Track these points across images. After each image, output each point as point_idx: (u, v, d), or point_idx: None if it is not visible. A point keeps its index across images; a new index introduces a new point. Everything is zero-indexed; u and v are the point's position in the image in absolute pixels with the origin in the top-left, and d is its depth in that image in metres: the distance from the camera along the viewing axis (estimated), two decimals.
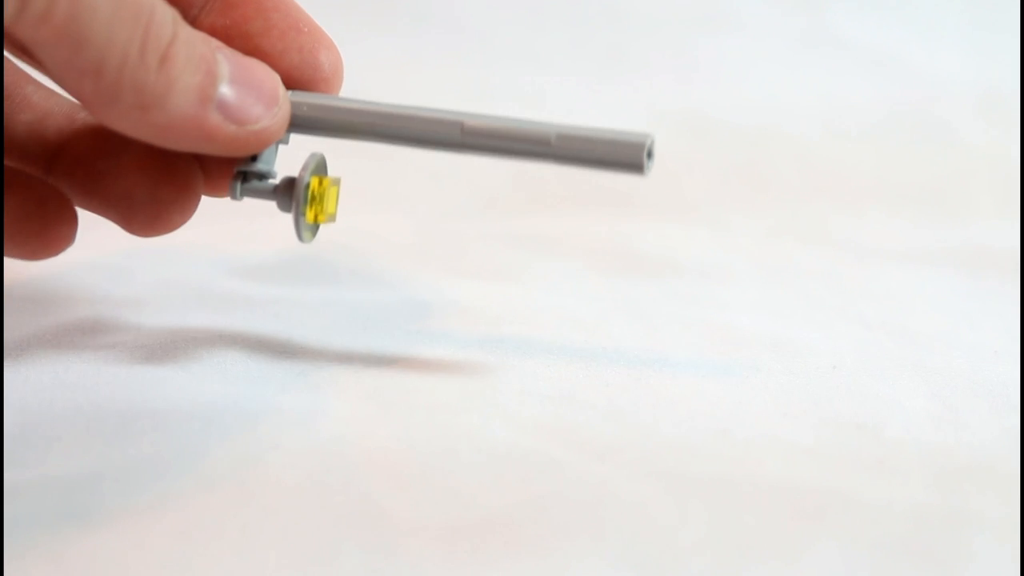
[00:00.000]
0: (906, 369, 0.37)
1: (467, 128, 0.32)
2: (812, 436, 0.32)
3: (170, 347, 0.37)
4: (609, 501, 0.28)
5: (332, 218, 0.34)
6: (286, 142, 0.34)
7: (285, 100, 0.32)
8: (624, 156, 0.32)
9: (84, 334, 0.37)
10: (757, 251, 0.51)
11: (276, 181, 0.33)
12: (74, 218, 0.32)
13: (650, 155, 0.32)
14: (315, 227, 0.34)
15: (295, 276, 0.45)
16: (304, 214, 0.33)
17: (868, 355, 0.38)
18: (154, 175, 0.31)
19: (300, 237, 0.33)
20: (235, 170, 0.33)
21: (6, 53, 0.33)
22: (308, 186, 0.33)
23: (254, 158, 0.33)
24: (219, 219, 0.52)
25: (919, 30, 0.64)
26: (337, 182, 0.34)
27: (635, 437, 0.31)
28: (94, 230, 0.50)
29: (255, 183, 0.33)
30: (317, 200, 0.33)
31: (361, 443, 0.31)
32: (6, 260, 0.45)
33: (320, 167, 0.34)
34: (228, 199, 0.33)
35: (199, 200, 0.32)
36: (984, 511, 0.28)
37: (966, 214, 0.55)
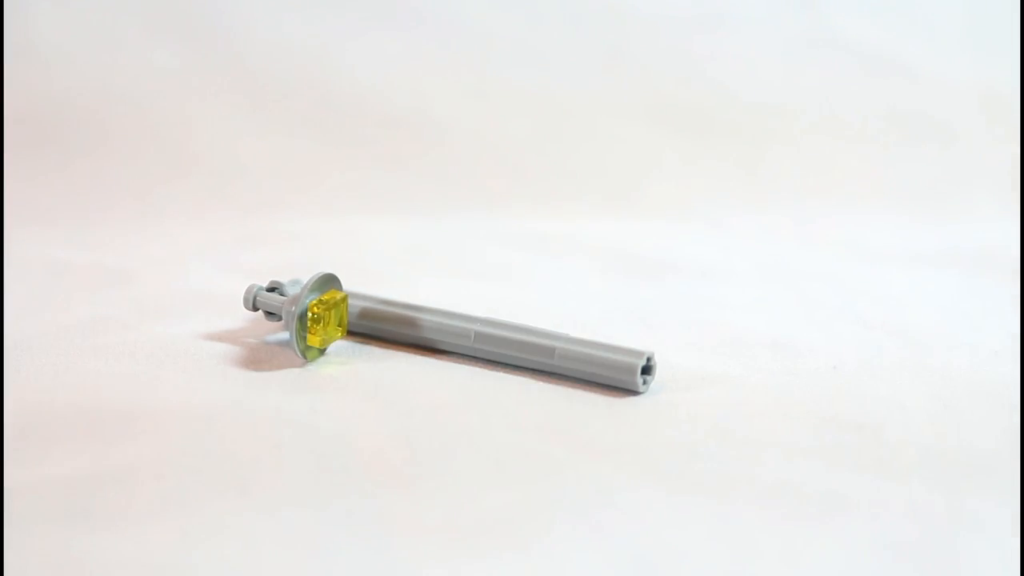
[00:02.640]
0: (906, 369, 0.37)
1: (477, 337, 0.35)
2: (812, 436, 0.32)
3: (170, 347, 0.37)
4: (609, 501, 0.28)
5: (331, 340, 0.36)
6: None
7: None
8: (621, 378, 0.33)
9: (84, 334, 0.37)
10: (757, 251, 0.51)
11: (286, 296, 0.35)
12: None
13: (647, 371, 0.34)
14: (318, 349, 0.36)
15: (295, 277, 0.45)
16: (302, 339, 0.35)
17: (868, 355, 0.38)
18: None
19: (301, 357, 0.35)
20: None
21: None
22: (305, 313, 0.35)
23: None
24: (218, 220, 0.52)
25: (919, 30, 0.63)
26: (344, 299, 0.36)
27: (635, 437, 0.31)
28: (96, 230, 0.50)
29: (271, 297, 0.36)
30: (317, 323, 0.35)
31: (361, 443, 0.31)
32: (6, 259, 0.45)
33: (323, 284, 0.35)
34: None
35: None
36: (984, 511, 0.28)
37: (966, 214, 0.55)
